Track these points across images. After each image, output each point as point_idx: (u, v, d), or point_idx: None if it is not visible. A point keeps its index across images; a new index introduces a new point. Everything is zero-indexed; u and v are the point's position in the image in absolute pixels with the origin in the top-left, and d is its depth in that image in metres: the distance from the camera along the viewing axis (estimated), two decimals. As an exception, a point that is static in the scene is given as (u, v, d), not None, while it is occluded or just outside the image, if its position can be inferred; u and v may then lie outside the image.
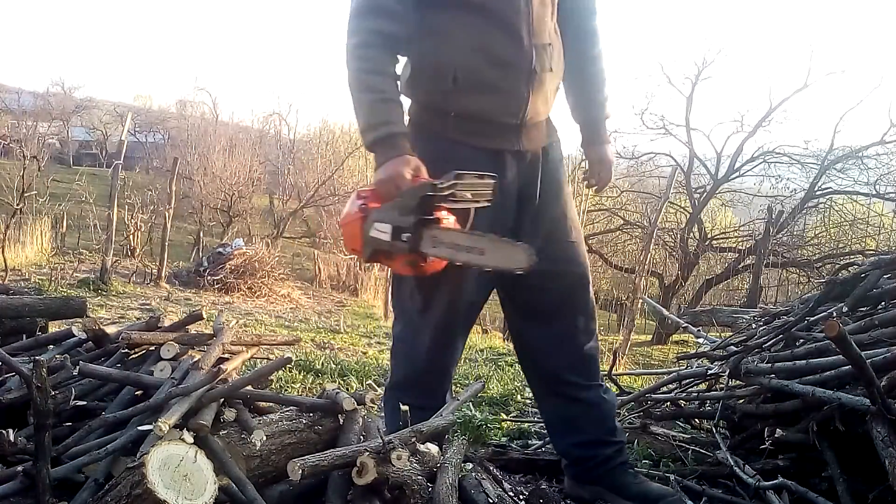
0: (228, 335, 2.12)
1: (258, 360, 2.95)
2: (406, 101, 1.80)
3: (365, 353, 4.95)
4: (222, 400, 1.67)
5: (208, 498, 1.28)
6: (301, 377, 3.49)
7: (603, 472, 1.91)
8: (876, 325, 1.93)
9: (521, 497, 1.79)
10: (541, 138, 1.88)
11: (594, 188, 2.07)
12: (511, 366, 4.59)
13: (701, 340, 3.05)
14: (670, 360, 3.90)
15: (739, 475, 1.90)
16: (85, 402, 1.79)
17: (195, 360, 1.90)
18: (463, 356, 3.25)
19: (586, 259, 1.98)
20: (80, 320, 2.29)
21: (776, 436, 1.90)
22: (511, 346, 6.20)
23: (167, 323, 2.24)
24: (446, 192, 1.58)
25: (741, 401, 2.20)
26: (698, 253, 11.13)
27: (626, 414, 2.67)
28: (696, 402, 2.54)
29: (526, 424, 2.93)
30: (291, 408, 1.80)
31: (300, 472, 1.39)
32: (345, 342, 5.49)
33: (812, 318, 2.17)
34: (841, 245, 10.02)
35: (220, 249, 10.48)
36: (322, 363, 3.90)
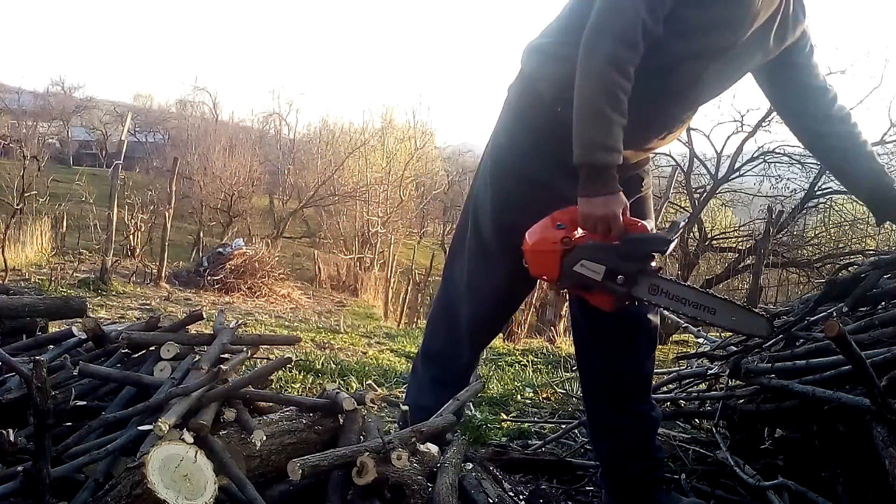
0: (228, 335, 2.11)
1: (258, 360, 2.95)
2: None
3: (365, 353, 4.95)
4: (222, 400, 1.67)
5: (208, 498, 1.28)
6: (301, 377, 3.49)
7: (635, 486, 1.92)
8: (876, 325, 1.92)
9: (521, 497, 1.79)
10: (634, 171, 1.89)
11: None
12: (511, 366, 4.59)
13: (700, 340, 3.05)
14: (670, 360, 3.89)
15: (739, 475, 1.91)
16: (85, 402, 1.79)
17: (195, 360, 1.90)
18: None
19: None
20: (80, 320, 2.29)
21: (776, 436, 1.90)
22: (512, 346, 6.20)
23: (167, 323, 2.24)
24: (662, 248, 1.65)
25: (741, 401, 2.20)
26: (698, 253, 11.12)
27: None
28: (696, 402, 2.54)
29: (526, 424, 2.93)
30: (291, 408, 1.80)
31: (300, 472, 1.39)
32: (345, 342, 5.48)
33: (812, 318, 2.17)
34: (841, 245, 10.02)
35: (220, 249, 10.48)
36: (322, 363, 3.90)
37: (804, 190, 11.05)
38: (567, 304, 6.72)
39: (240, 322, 2.87)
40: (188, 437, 1.43)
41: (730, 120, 11.80)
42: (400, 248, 18.45)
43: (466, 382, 2.12)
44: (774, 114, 11.19)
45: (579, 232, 1.68)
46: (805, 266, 9.93)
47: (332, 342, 5.34)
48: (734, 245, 11.47)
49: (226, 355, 2.05)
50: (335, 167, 21.29)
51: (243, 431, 1.61)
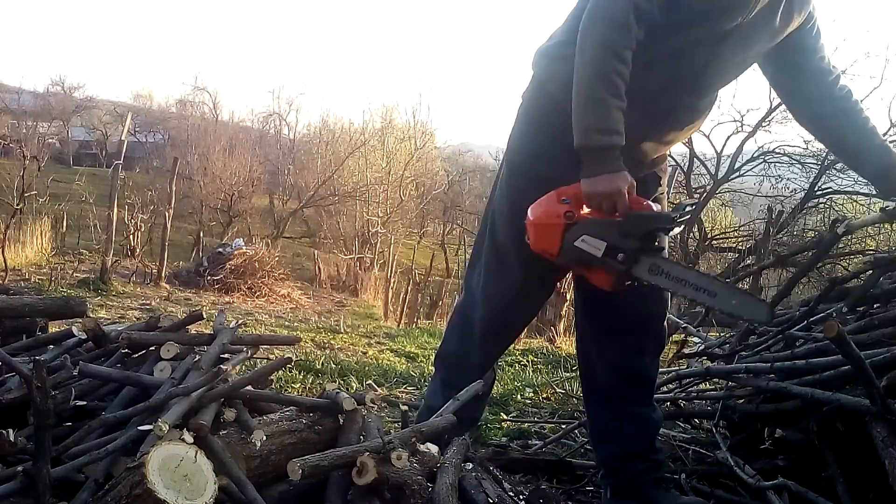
0: (228, 335, 2.11)
1: (258, 360, 2.95)
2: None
3: (365, 353, 4.95)
4: (222, 400, 1.67)
5: (208, 498, 1.28)
6: (301, 377, 3.49)
7: (636, 485, 1.93)
8: (876, 325, 1.92)
9: (521, 497, 1.79)
10: (651, 168, 1.90)
11: None
12: (511, 366, 4.59)
13: (696, 340, 3.04)
14: (670, 360, 3.90)
15: (739, 475, 1.91)
16: (85, 402, 1.79)
17: (195, 360, 1.90)
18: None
19: None
20: (80, 320, 2.29)
21: (776, 436, 1.90)
22: (512, 346, 6.20)
23: (167, 323, 2.24)
24: (668, 226, 1.64)
25: (741, 401, 2.20)
26: (698, 253, 11.13)
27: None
28: (696, 402, 2.54)
29: (526, 424, 2.93)
30: (291, 408, 1.80)
31: (300, 472, 1.39)
32: (345, 342, 5.48)
33: (812, 319, 2.17)
34: (841, 245, 10.02)
35: (220, 249, 10.48)
36: (322, 363, 3.91)
37: (804, 190, 11.05)
38: (567, 304, 6.72)
39: (240, 322, 2.87)
40: (188, 437, 1.43)
41: (730, 120, 11.81)
42: (400, 248, 18.46)
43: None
44: (774, 114, 11.20)
45: (585, 210, 1.66)
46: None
47: (332, 342, 5.34)
48: (734, 245, 11.48)
49: (226, 355, 2.05)
50: (335, 167, 21.31)
51: (243, 431, 1.61)
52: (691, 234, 11.34)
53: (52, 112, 28.14)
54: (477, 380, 2.05)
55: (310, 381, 3.45)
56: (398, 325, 9.32)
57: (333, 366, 3.88)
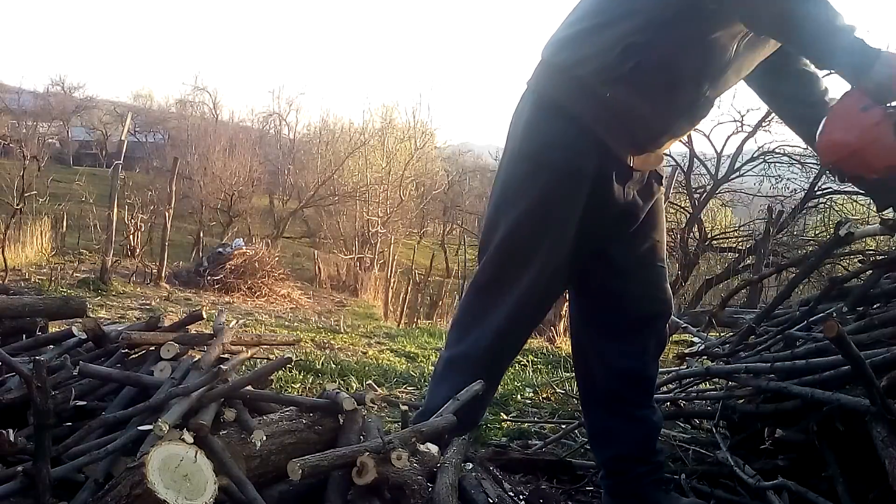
0: (228, 335, 2.11)
1: (258, 360, 2.95)
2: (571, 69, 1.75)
3: (365, 353, 4.95)
4: (222, 400, 1.67)
5: (208, 498, 1.28)
6: (301, 377, 3.49)
7: (635, 487, 1.92)
8: (876, 325, 1.92)
9: (521, 497, 1.79)
10: (655, 163, 1.89)
11: None
12: (511, 366, 4.59)
13: (696, 340, 3.04)
14: (670, 360, 3.90)
15: (739, 475, 1.90)
16: (85, 402, 1.79)
17: (195, 360, 1.90)
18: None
19: (667, 283, 1.99)
20: (80, 320, 2.29)
21: (776, 436, 1.90)
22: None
23: (167, 323, 2.24)
24: None
25: (741, 401, 2.20)
26: (698, 253, 11.13)
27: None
28: (696, 402, 2.54)
29: (526, 424, 2.93)
30: (291, 408, 1.79)
31: (300, 472, 1.39)
32: (345, 342, 5.48)
33: (812, 319, 2.17)
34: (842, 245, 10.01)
35: (220, 249, 10.49)
36: (322, 363, 3.91)
37: (804, 190, 11.05)
38: (567, 304, 6.72)
39: (240, 322, 2.87)
40: (188, 437, 1.43)
41: (730, 120, 11.80)
42: (400, 248, 18.46)
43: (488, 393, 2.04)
44: (774, 114, 11.19)
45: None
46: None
47: (332, 342, 5.34)
48: (734, 245, 11.48)
49: (226, 355, 2.05)
50: (335, 167, 21.31)
51: (243, 431, 1.61)
52: (691, 234, 11.35)
53: (52, 112, 28.15)
54: (495, 383, 2.01)
55: (310, 381, 3.45)
56: (398, 325, 9.32)
57: (333, 366, 3.88)
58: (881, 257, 2.18)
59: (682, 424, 2.68)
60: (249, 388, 1.76)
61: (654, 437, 1.99)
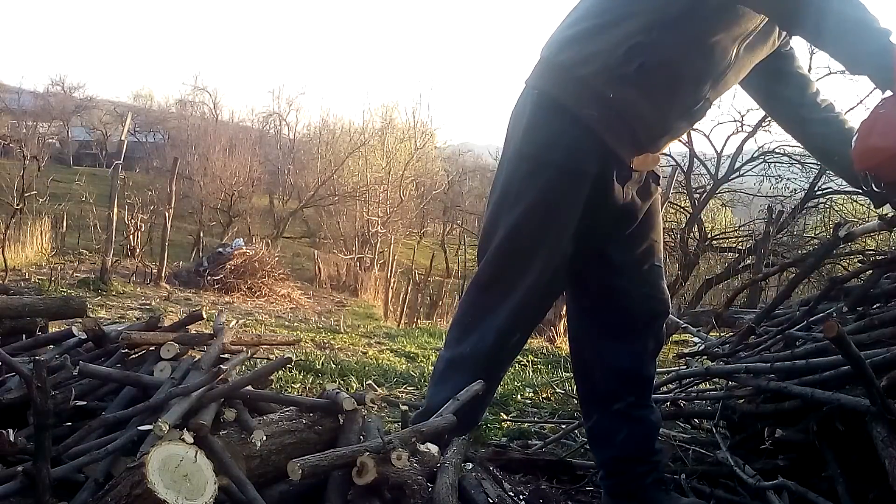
0: (228, 335, 2.11)
1: (258, 360, 2.95)
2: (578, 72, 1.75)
3: (365, 353, 4.95)
4: (222, 400, 1.67)
5: (208, 498, 1.28)
6: (301, 377, 3.49)
7: (635, 487, 1.92)
8: (876, 325, 1.92)
9: (521, 497, 1.79)
10: (653, 163, 1.90)
11: None
12: (511, 366, 4.59)
13: (697, 340, 3.04)
14: (670, 360, 3.90)
15: (739, 475, 1.90)
16: (85, 402, 1.79)
17: (195, 360, 1.90)
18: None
19: (665, 283, 2.00)
20: (80, 320, 2.29)
21: (776, 436, 1.90)
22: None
23: (167, 323, 2.24)
24: None
25: (741, 401, 2.20)
26: (698, 253, 11.13)
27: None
28: (696, 402, 2.54)
29: (526, 424, 2.93)
30: (291, 408, 1.80)
31: (300, 472, 1.39)
32: (345, 342, 5.49)
33: (812, 319, 2.17)
34: (841, 245, 10.01)
35: (220, 249, 10.49)
36: (322, 363, 3.91)
37: (804, 190, 11.05)
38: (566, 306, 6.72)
39: (240, 322, 2.87)
40: (188, 437, 1.43)
41: (730, 120, 11.81)
42: (400, 248, 18.47)
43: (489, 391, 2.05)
44: (770, 116, 11.18)
45: None
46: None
47: (332, 342, 5.35)
48: (734, 245, 11.48)
49: (226, 355, 2.05)
50: (335, 167, 21.32)
51: (243, 431, 1.61)
52: (691, 234, 11.35)
53: (52, 112, 28.15)
54: (496, 382, 2.02)
55: (310, 381, 3.45)
56: (398, 325, 9.33)
57: (333, 366, 3.89)
58: (881, 257, 2.18)
59: (682, 424, 2.68)
60: (249, 388, 1.76)
61: (653, 437, 1.99)
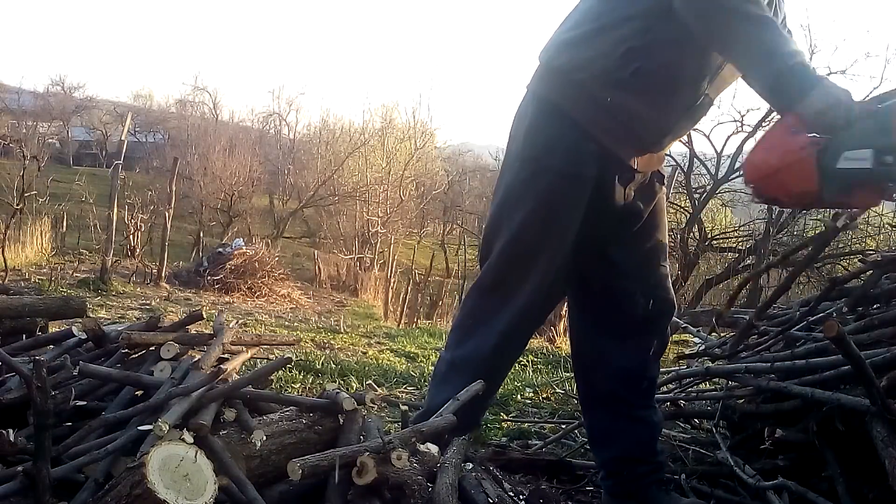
0: (228, 335, 2.11)
1: (258, 360, 2.95)
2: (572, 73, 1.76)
3: (365, 353, 4.95)
4: (222, 400, 1.67)
5: (208, 498, 1.28)
6: (301, 377, 3.49)
7: (636, 487, 1.91)
8: (876, 325, 1.92)
9: (521, 497, 1.79)
10: (657, 163, 1.90)
11: None
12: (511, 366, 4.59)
13: (697, 340, 3.04)
14: (670, 360, 3.90)
15: (739, 475, 1.90)
16: (85, 402, 1.79)
17: (195, 360, 1.90)
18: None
19: (670, 284, 1.98)
20: (80, 320, 2.29)
21: (776, 436, 1.90)
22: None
23: (167, 323, 2.24)
24: None
25: (741, 401, 2.20)
26: (698, 253, 11.12)
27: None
28: (696, 402, 2.54)
29: (526, 424, 2.93)
30: (291, 408, 1.80)
31: (300, 472, 1.39)
32: (345, 342, 5.49)
33: (812, 319, 2.17)
34: (841, 245, 10.02)
35: (220, 249, 10.49)
36: (322, 363, 3.91)
37: (804, 190, 11.02)
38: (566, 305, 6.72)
39: (240, 322, 2.87)
40: (188, 437, 1.43)
41: (730, 120, 11.80)
42: (400, 248, 18.47)
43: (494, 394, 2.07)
44: (774, 114, 11.20)
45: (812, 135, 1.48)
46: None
47: (332, 342, 5.35)
48: (734, 245, 11.47)
49: (226, 355, 2.05)
50: (335, 167, 21.32)
51: (243, 431, 1.61)
52: (691, 234, 11.34)
53: (52, 112, 28.14)
54: (497, 384, 2.02)
55: (310, 381, 3.45)
56: (398, 325, 9.33)
57: (333, 366, 3.88)
58: (882, 257, 2.18)
59: (682, 424, 2.68)
60: (249, 388, 1.76)
61: (654, 438, 1.99)
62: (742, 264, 10.38)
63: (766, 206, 9.64)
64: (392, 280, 13.77)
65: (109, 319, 5.28)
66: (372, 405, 1.88)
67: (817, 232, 10.90)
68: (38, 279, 7.23)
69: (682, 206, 11.93)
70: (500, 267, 1.87)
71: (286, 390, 3.15)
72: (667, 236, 1.99)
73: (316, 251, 16.50)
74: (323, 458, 1.46)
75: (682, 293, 11.34)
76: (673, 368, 2.81)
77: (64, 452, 1.52)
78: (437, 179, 24.76)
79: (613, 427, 1.96)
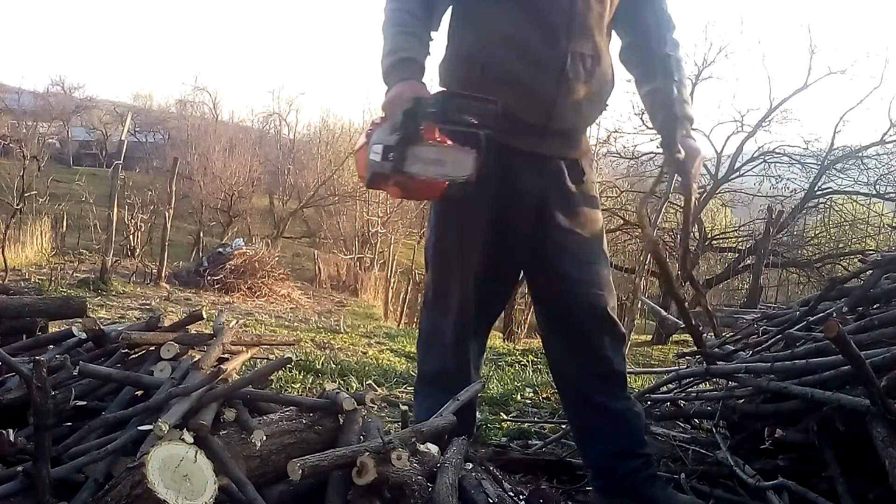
0: (228, 335, 2.11)
1: (258, 360, 2.95)
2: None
3: (365, 353, 4.95)
4: (222, 400, 1.67)
5: (208, 498, 1.28)
6: (301, 377, 3.49)
7: (629, 484, 1.89)
8: (876, 325, 1.92)
9: (521, 497, 1.79)
10: (569, 148, 1.87)
11: (683, 188, 1.93)
12: (511, 366, 4.60)
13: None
14: (670, 360, 3.90)
15: (739, 475, 1.90)
16: (85, 402, 1.79)
17: (195, 360, 1.90)
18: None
19: (610, 284, 1.95)
20: (80, 320, 2.29)
21: (776, 436, 1.90)
22: (512, 346, 6.20)
23: (167, 323, 2.24)
24: (431, 110, 1.51)
25: (741, 401, 2.20)
26: (698, 253, 11.12)
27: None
28: (696, 402, 2.54)
29: (526, 424, 2.93)
30: (291, 408, 1.80)
31: (300, 472, 1.39)
32: (345, 342, 5.49)
33: (812, 318, 2.17)
34: (841, 245, 10.03)
35: (220, 249, 10.49)
36: (322, 363, 3.91)
37: (804, 190, 11.06)
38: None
39: (240, 322, 2.87)
40: (188, 437, 1.43)
41: (730, 120, 11.81)
42: (400, 248, 18.46)
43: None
44: (774, 114, 11.22)
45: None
46: (805, 266, 9.94)
47: (332, 342, 5.35)
48: (734, 245, 11.48)
49: (226, 355, 2.06)
50: (335, 167, 21.30)
51: (243, 431, 1.61)
52: (691, 235, 11.34)
53: (52, 112, 28.13)
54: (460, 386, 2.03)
55: (310, 381, 3.45)
56: (398, 325, 9.33)
57: (333, 366, 3.88)
58: (882, 257, 2.18)
59: (682, 424, 2.68)
60: (249, 388, 1.76)
61: (639, 429, 1.97)
62: (742, 264, 10.38)
63: (767, 206, 9.66)
64: (392, 280, 13.77)
65: (109, 319, 5.28)
66: (372, 405, 1.89)
67: (817, 234, 10.92)
68: (38, 279, 7.23)
69: (682, 206, 11.93)
70: (433, 280, 1.99)
71: (286, 390, 3.15)
72: (600, 231, 1.95)
73: (316, 251, 16.50)
74: (323, 458, 1.46)
75: (682, 293, 11.33)
76: (673, 368, 2.81)
77: (64, 452, 1.52)
78: (437, 179, 24.71)
79: (593, 424, 1.96)
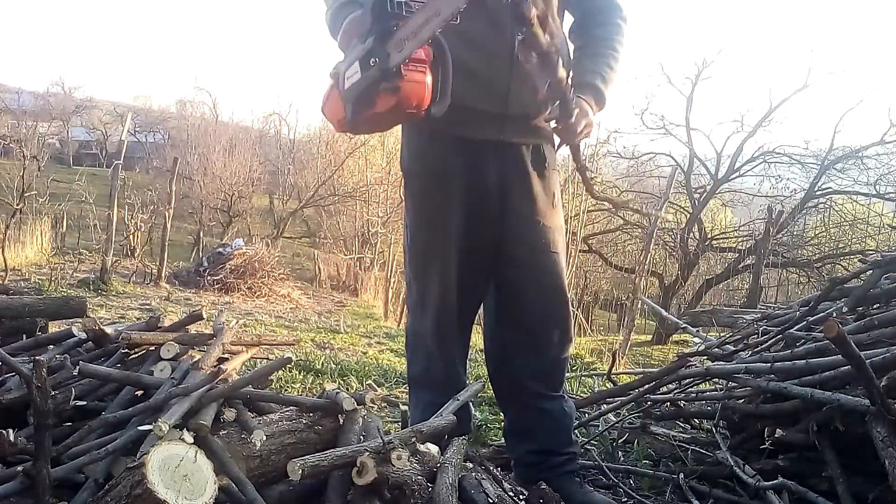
0: (228, 335, 2.11)
1: (258, 360, 2.95)
2: None
3: (365, 353, 4.95)
4: (222, 400, 1.67)
5: (208, 498, 1.28)
6: (301, 377, 3.49)
7: (549, 476, 1.90)
8: (876, 325, 1.92)
9: (521, 497, 1.79)
10: (529, 134, 1.85)
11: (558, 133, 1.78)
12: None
13: (696, 340, 3.04)
14: (670, 360, 3.89)
15: (739, 475, 1.91)
16: (85, 402, 1.79)
17: (195, 360, 1.90)
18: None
19: (563, 272, 1.95)
20: (80, 320, 2.29)
21: (776, 436, 1.90)
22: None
23: (167, 323, 2.24)
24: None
25: (741, 401, 2.20)
26: (698, 253, 11.12)
27: (627, 414, 2.67)
28: (696, 402, 2.54)
29: (526, 424, 2.92)
30: (291, 408, 1.80)
31: (300, 472, 1.39)
32: (345, 342, 5.49)
33: (812, 318, 2.17)
34: (841, 245, 10.02)
35: (220, 249, 10.48)
36: (322, 363, 3.91)
37: (804, 190, 11.05)
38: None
39: (240, 322, 2.87)
40: (188, 437, 1.43)
41: (730, 120, 11.79)
42: (400, 249, 18.44)
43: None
44: (774, 114, 11.21)
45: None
46: (805, 266, 9.94)
47: (332, 342, 5.35)
48: (734, 245, 11.47)
49: (226, 355, 2.06)
50: (335, 167, 21.28)
51: (243, 431, 1.61)
52: (691, 234, 11.34)
53: (52, 112, 28.11)
54: (457, 388, 2.02)
55: (310, 381, 3.45)
56: (398, 325, 9.32)
57: (333, 366, 3.88)
58: (882, 257, 2.18)
59: (682, 424, 2.68)
60: (249, 388, 1.76)
61: (566, 429, 1.97)
62: (742, 264, 10.38)
63: (767, 206, 9.66)
64: (392, 280, 13.75)
65: (109, 319, 5.28)
66: (372, 405, 1.89)
67: (817, 234, 10.92)
68: (38, 279, 7.23)
69: (682, 206, 11.94)
70: (413, 278, 2.01)
71: (286, 390, 3.15)
72: (560, 223, 1.95)
73: (316, 251, 16.49)
74: (323, 458, 1.46)
75: (682, 293, 11.35)
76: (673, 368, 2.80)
77: (64, 452, 1.52)
78: (438, 179, 24.68)
79: (526, 421, 1.97)
